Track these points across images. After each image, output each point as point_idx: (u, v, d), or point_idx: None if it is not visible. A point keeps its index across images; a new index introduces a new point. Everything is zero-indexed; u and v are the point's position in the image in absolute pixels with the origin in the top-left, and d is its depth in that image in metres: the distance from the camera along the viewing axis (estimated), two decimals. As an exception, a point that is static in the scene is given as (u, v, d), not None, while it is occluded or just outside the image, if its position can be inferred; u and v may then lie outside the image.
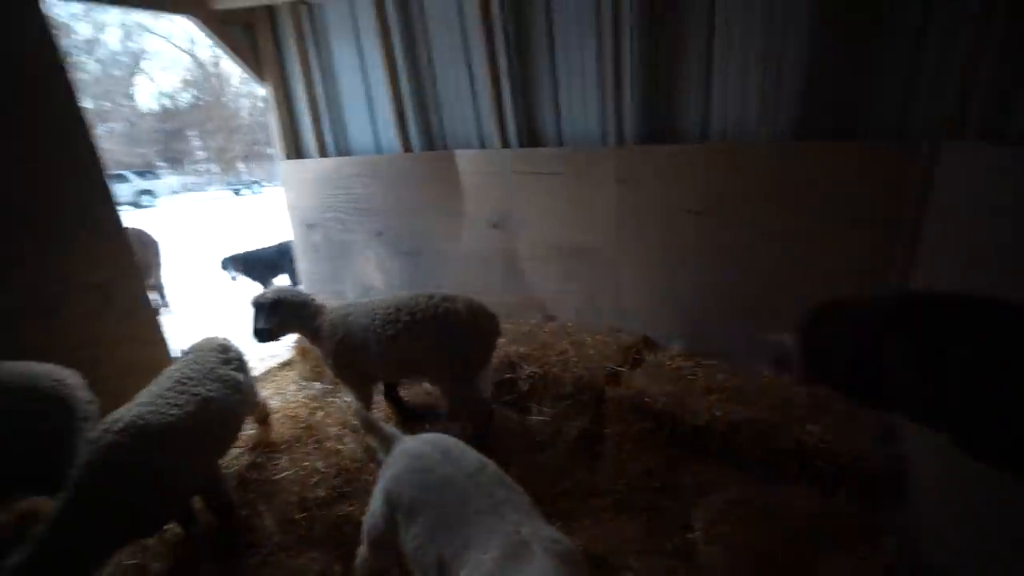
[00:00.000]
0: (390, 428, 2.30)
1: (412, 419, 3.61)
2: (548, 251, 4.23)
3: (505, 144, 4.22)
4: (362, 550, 2.21)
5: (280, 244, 7.35)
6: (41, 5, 3.23)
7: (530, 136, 4.21)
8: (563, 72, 3.90)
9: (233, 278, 7.32)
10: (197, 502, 2.67)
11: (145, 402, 2.34)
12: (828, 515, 2.35)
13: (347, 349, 3.16)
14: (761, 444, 2.81)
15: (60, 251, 3.34)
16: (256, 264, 7.24)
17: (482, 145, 4.40)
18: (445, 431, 2.28)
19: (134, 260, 3.84)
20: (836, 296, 1.45)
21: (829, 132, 3.13)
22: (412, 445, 2.06)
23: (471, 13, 3.95)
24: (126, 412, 2.25)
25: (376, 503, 2.04)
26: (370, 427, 2.29)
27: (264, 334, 3.22)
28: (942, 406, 1.05)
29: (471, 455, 1.97)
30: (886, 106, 2.96)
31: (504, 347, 3.75)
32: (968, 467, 1.72)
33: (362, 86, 4.74)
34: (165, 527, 2.60)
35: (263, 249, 7.50)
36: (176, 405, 2.36)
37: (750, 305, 3.48)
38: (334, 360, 3.24)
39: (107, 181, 3.62)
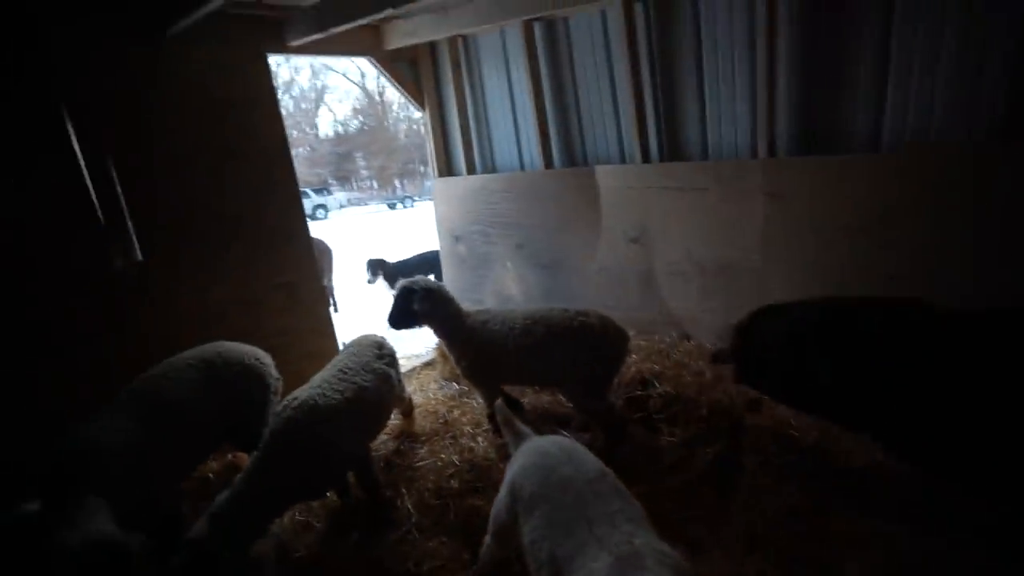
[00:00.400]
0: (525, 427, 2.43)
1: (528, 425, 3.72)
2: (688, 267, 4.10)
3: (646, 159, 4.19)
4: (488, 539, 2.36)
5: (421, 254, 7.77)
6: (267, 59, 4.04)
7: (672, 150, 4.14)
8: (710, 82, 3.79)
9: (370, 280, 7.77)
10: (351, 477, 3.05)
11: (316, 386, 2.76)
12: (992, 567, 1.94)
13: (484, 354, 3.37)
14: (932, 496, 2.41)
15: (264, 256, 4.08)
16: (397, 272, 7.78)
17: (623, 160, 4.42)
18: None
19: (316, 264, 4.53)
20: (770, 304, 1.37)
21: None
22: (540, 442, 2.17)
23: (615, 30, 4.03)
24: (301, 393, 2.69)
25: (502, 493, 2.17)
26: (508, 422, 2.45)
27: (402, 319, 3.50)
28: (864, 410, 1.05)
29: (593, 462, 2.01)
30: None
31: (637, 364, 3.71)
32: None
33: (509, 108, 5.06)
34: (327, 494, 3.02)
35: (406, 259, 8.03)
36: (338, 391, 2.75)
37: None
38: (469, 362, 3.46)
39: (299, 197, 4.35)
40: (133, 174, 3.43)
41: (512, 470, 2.16)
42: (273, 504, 2.47)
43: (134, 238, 3.49)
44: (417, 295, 3.46)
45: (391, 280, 7.74)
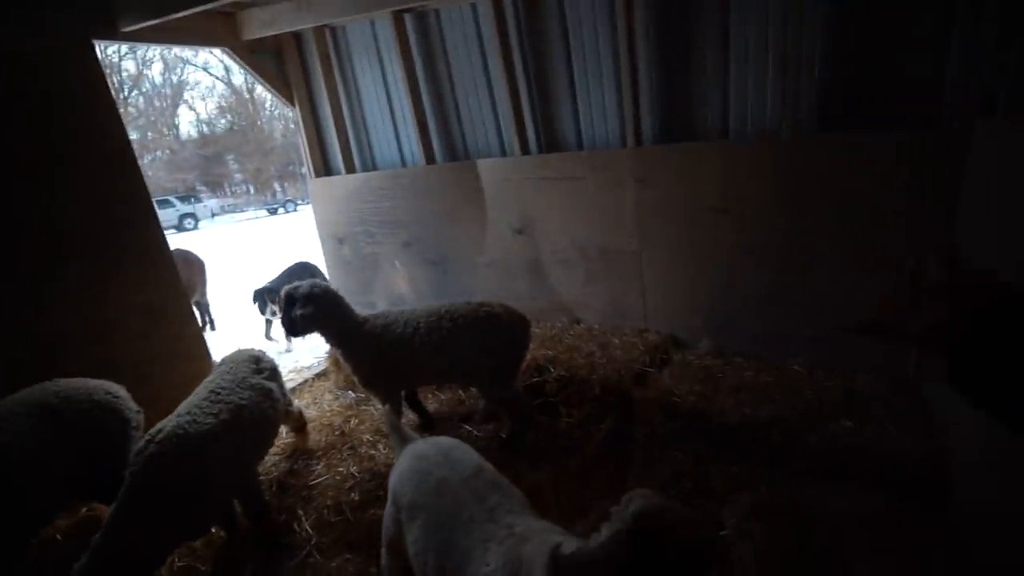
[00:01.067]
0: (410, 432, 2.36)
1: (434, 424, 3.67)
2: (572, 254, 4.26)
3: (525, 151, 4.29)
4: (383, 552, 2.28)
5: (288, 269, 6.30)
6: (95, 48, 3.51)
7: (550, 142, 4.27)
8: (580, 74, 3.96)
9: (270, 314, 6.13)
10: (239, 505, 2.80)
11: (183, 412, 2.48)
12: (863, 515, 2.28)
13: (387, 358, 3.22)
14: (792, 442, 2.76)
15: (115, 276, 3.57)
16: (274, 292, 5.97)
17: (503, 153, 4.48)
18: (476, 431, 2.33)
19: (180, 281, 4.06)
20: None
21: (849, 123, 3.08)
22: (418, 446, 2.09)
23: (488, 30, 4.06)
24: (167, 423, 2.40)
25: (388, 504, 2.11)
26: (394, 428, 2.36)
27: (296, 325, 3.21)
28: None
29: (469, 458, 1.96)
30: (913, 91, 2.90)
31: (532, 351, 3.78)
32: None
33: (386, 102, 4.90)
34: (208, 533, 2.74)
35: (275, 278, 6.30)
36: (211, 414, 2.49)
37: (777, 301, 3.42)
38: (371, 367, 3.28)
39: (154, 207, 3.86)
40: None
41: (392, 479, 2.09)
42: (144, 558, 2.18)
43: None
44: (298, 302, 3.18)
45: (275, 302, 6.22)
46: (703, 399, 3.10)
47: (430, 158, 4.76)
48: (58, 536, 2.86)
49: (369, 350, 3.25)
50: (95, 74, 3.53)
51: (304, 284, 3.28)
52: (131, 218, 3.70)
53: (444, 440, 2.13)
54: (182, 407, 2.56)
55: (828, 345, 3.26)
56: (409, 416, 3.71)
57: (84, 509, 3.03)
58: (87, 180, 3.46)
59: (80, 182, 3.43)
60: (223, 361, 3.05)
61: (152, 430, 2.40)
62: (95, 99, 3.53)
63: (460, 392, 3.95)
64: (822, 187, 3.10)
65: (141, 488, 2.19)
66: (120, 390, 2.79)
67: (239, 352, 3.12)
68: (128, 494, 2.17)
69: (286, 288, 3.28)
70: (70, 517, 3.00)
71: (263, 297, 5.96)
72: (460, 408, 3.81)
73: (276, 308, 5.18)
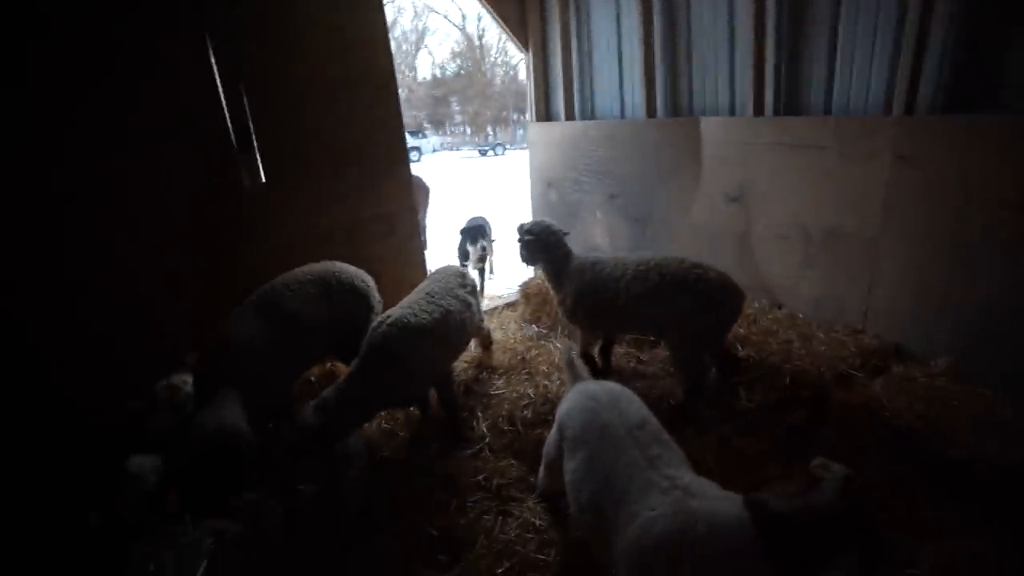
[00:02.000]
0: (585, 371, 2.50)
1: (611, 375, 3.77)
2: (791, 232, 3.86)
3: (759, 111, 3.91)
4: (541, 470, 2.51)
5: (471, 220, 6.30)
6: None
7: (790, 104, 3.82)
8: (847, 26, 3.40)
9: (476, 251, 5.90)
10: (433, 395, 3.32)
11: (407, 306, 2.99)
12: None
13: (591, 295, 3.35)
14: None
15: (369, 186, 4.35)
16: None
17: (732, 112, 4.15)
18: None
19: (413, 199, 4.75)
20: None
21: None
22: (590, 386, 2.21)
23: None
24: (394, 312, 2.94)
25: (552, 430, 2.28)
26: (570, 364, 2.53)
27: (520, 253, 3.62)
28: None
29: (637, 409, 2.03)
30: None
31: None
32: None
33: (616, 50, 4.87)
34: (410, 408, 3.32)
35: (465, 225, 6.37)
36: (427, 312, 2.97)
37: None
38: (574, 302, 3.43)
39: (404, 134, 4.54)
40: (260, 102, 3.75)
41: (560, 409, 2.26)
42: (367, 405, 2.77)
43: (260, 162, 3.85)
44: (522, 235, 3.56)
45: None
46: (925, 422, 2.64)
47: (651, 111, 4.64)
48: (312, 379, 3.77)
49: (574, 284, 3.41)
50: (379, 16, 4.18)
51: (531, 221, 3.63)
52: (387, 140, 4.40)
53: (615, 386, 2.23)
54: (404, 301, 3.09)
55: None
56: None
57: (328, 365, 3.91)
58: (362, 102, 4.20)
59: (357, 104, 4.18)
60: (436, 272, 3.54)
61: (383, 315, 2.97)
62: (374, 35, 4.19)
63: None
64: None
65: (373, 356, 2.75)
66: (371, 280, 3.49)
67: (448, 267, 3.60)
68: (364, 358, 2.76)
69: (522, 224, 3.67)
70: (320, 368, 3.91)
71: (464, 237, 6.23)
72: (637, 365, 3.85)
73: (475, 247, 5.73)
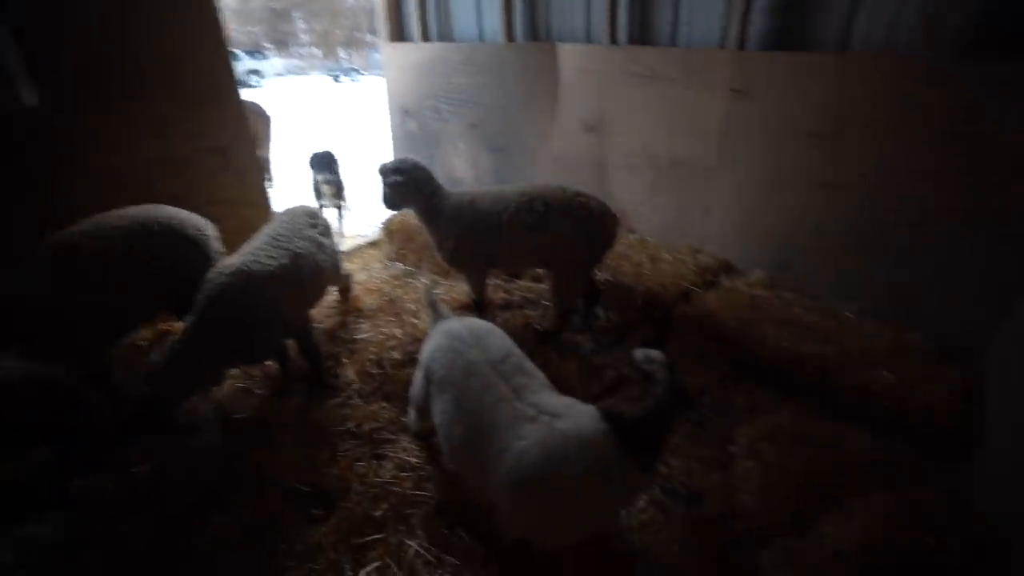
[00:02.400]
0: (446, 310, 2.47)
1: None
2: (641, 161, 4.08)
3: (614, 40, 3.96)
4: (410, 411, 2.51)
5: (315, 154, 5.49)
6: None
7: (642, 33, 3.91)
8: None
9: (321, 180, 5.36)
10: (292, 348, 3.09)
11: (248, 252, 2.66)
12: (878, 457, 2.31)
13: (475, 234, 3.20)
14: (825, 380, 2.74)
15: (191, 114, 3.68)
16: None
17: (588, 39, 4.16)
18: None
19: (248, 129, 4.15)
20: None
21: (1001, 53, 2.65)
22: (452, 325, 2.18)
23: None
24: (234, 260, 2.59)
25: (418, 372, 2.26)
26: (432, 304, 2.48)
27: (386, 197, 3.25)
28: None
29: (500, 343, 2.05)
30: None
31: (579, 253, 3.79)
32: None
33: (470, -36, 4.54)
34: (265, 361, 3.05)
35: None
36: (272, 257, 2.67)
37: (849, 243, 3.23)
38: (456, 244, 3.26)
39: (228, 53, 3.86)
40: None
41: (424, 351, 2.23)
42: (209, 366, 2.48)
43: (26, 77, 3.03)
44: (387, 176, 3.20)
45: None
46: (743, 325, 3.08)
47: (510, 35, 4.48)
48: (142, 342, 3.27)
49: (455, 225, 3.22)
50: None
51: (394, 159, 3.27)
52: (208, 57, 3.72)
53: (478, 323, 2.22)
54: (246, 247, 2.74)
55: (885, 297, 3.12)
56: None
57: (160, 325, 3.42)
58: (169, 11, 3.46)
59: (162, 13, 3.43)
60: (282, 212, 3.19)
61: (221, 263, 2.61)
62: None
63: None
64: (952, 123, 2.72)
65: (210, 311, 2.43)
66: (207, 225, 3.02)
67: (297, 207, 3.26)
68: (200, 314, 2.42)
69: (384, 164, 3.28)
70: (151, 329, 3.40)
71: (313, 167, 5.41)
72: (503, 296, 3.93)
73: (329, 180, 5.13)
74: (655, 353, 1.69)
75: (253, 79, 25.31)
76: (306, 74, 32.03)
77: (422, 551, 2.12)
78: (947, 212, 2.82)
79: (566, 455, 1.62)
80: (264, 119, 6.99)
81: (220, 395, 2.95)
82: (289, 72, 31.24)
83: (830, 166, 3.19)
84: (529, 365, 2.02)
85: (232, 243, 3.05)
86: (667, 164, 3.95)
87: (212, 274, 2.55)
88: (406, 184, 3.17)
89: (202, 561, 2.13)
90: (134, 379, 2.28)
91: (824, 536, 1.93)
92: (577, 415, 1.71)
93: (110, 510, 2.27)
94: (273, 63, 28.83)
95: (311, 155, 5.36)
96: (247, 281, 2.49)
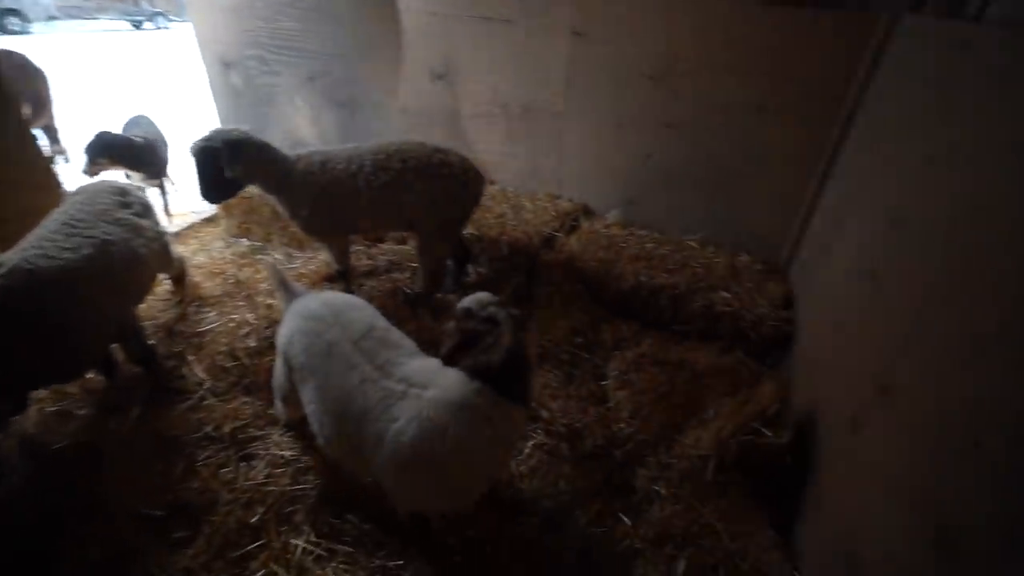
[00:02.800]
0: (297, 286, 2.26)
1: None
2: (494, 109, 3.99)
3: (452, -21, 3.72)
4: (277, 403, 2.30)
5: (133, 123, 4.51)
6: None
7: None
8: None
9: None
10: (120, 353, 2.62)
11: (31, 245, 2.14)
12: (723, 367, 2.64)
13: (331, 199, 2.89)
14: (676, 307, 3.04)
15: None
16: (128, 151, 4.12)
17: (425, -22, 3.86)
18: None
19: (11, 90, 3.26)
20: None
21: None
22: (308, 304, 1.99)
23: None
24: (10, 256, 2.06)
25: (277, 359, 2.07)
26: (280, 282, 2.24)
27: (224, 188, 2.79)
28: None
29: (361, 316, 1.90)
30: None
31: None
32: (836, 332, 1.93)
33: None
34: (83, 375, 2.56)
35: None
36: (67, 248, 2.17)
37: (689, 179, 3.52)
38: (311, 212, 2.93)
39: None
40: None
41: (280, 336, 2.03)
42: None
43: None
44: (223, 155, 2.68)
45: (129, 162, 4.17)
46: (604, 265, 3.26)
47: (339, -29, 3.99)
48: None
49: (308, 191, 2.88)
50: None
51: (218, 134, 2.72)
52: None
53: (336, 298, 2.04)
54: (27, 240, 2.20)
55: (720, 225, 3.49)
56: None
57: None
58: None
59: None
60: (77, 191, 2.61)
61: (-8, 262, 2.06)
62: None
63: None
64: (771, 61, 2.97)
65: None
66: None
67: (100, 183, 2.69)
68: None
69: (193, 145, 2.72)
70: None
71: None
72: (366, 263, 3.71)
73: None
74: (483, 296, 1.68)
75: (11, 23, 20.07)
76: (93, 18, 26.27)
77: (311, 547, 1.99)
78: (777, 145, 3.15)
79: (444, 424, 1.58)
80: (35, 74, 5.63)
81: (26, 426, 2.42)
82: (68, 15, 25.36)
83: (669, 106, 3.39)
84: (395, 335, 1.91)
85: (13, 234, 2.42)
86: (519, 111, 3.92)
87: None
88: (245, 170, 2.76)
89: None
90: None
91: (687, 446, 2.16)
92: (446, 379, 1.67)
93: None
94: (42, 2, 23.19)
95: (126, 121, 4.45)
96: (29, 280, 2.01)
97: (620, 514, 2.12)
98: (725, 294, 2.99)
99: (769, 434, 2.02)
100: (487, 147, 4.15)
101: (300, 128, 4.76)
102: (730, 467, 2.05)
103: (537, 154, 4.03)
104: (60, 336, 2.07)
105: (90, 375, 2.63)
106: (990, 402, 1.14)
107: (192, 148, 2.73)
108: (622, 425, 2.36)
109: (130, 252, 2.44)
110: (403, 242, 3.86)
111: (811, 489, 1.92)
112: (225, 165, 2.70)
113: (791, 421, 2.10)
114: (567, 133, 3.83)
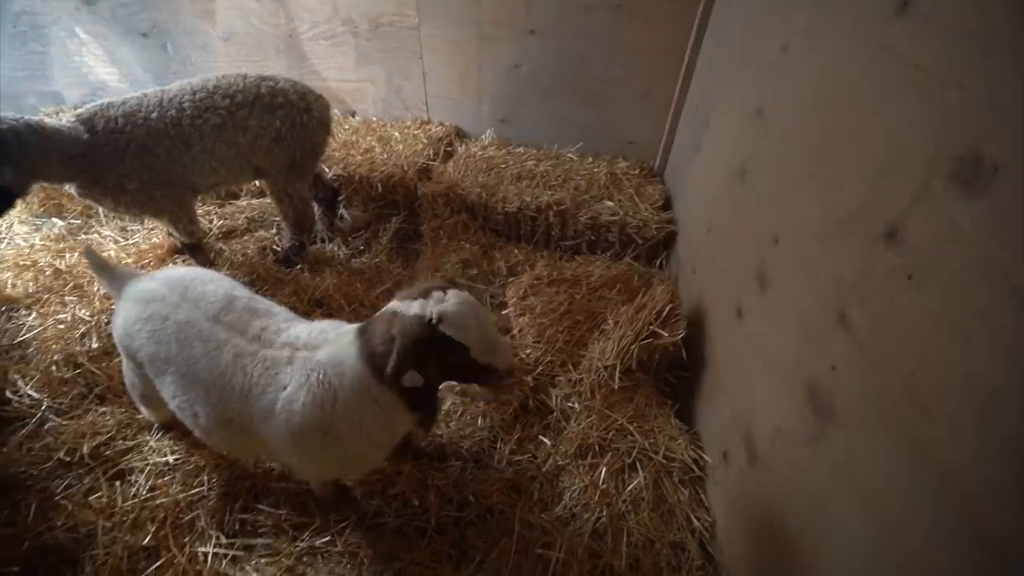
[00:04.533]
0: (123, 269, 1.93)
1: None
2: (338, 28, 3.49)
3: None
4: (139, 406, 2.01)
5: None
6: None
7: None
8: None
9: None
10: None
11: None
12: (616, 276, 2.72)
13: (155, 161, 2.39)
14: (563, 223, 3.03)
15: None
16: None
17: None
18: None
19: None
20: None
21: None
22: (143, 286, 1.69)
23: None
24: None
25: (122, 358, 1.79)
26: (99, 266, 1.87)
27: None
28: None
29: (214, 288, 1.66)
30: None
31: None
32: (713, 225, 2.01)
33: None
34: None
35: None
36: None
37: (557, 88, 3.39)
38: (140, 183, 2.40)
39: None
40: None
41: (116, 330, 1.72)
42: None
43: None
44: None
45: None
46: (486, 190, 3.12)
47: None
48: None
49: (124, 158, 2.33)
50: None
51: None
52: None
53: (176, 273, 1.75)
54: None
55: (596, 134, 3.45)
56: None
57: None
58: None
59: None
60: None
61: None
62: None
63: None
64: None
65: None
66: None
67: None
68: None
69: None
70: None
71: None
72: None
73: None
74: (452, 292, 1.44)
75: None
76: None
77: (223, 551, 1.82)
78: (641, 44, 3.08)
79: (335, 387, 1.44)
80: None
81: None
82: None
83: (533, 10, 3.16)
84: (263, 303, 1.68)
85: None
86: (368, 28, 3.45)
87: None
88: (22, 170, 2.11)
89: None
90: None
91: (593, 359, 2.23)
92: (336, 336, 1.52)
93: None
94: None
95: None
96: None
97: (540, 436, 2.17)
98: (608, 203, 3.02)
99: (665, 334, 2.12)
100: (338, 73, 3.67)
101: (97, 70, 3.86)
102: (634, 370, 2.16)
103: (397, 76, 3.64)
104: None
105: None
106: (852, 276, 1.24)
107: None
108: (528, 351, 2.36)
109: None
110: (261, 195, 3.40)
111: (706, 378, 2.09)
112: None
113: (682, 317, 2.22)
114: (426, 50, 3.47)
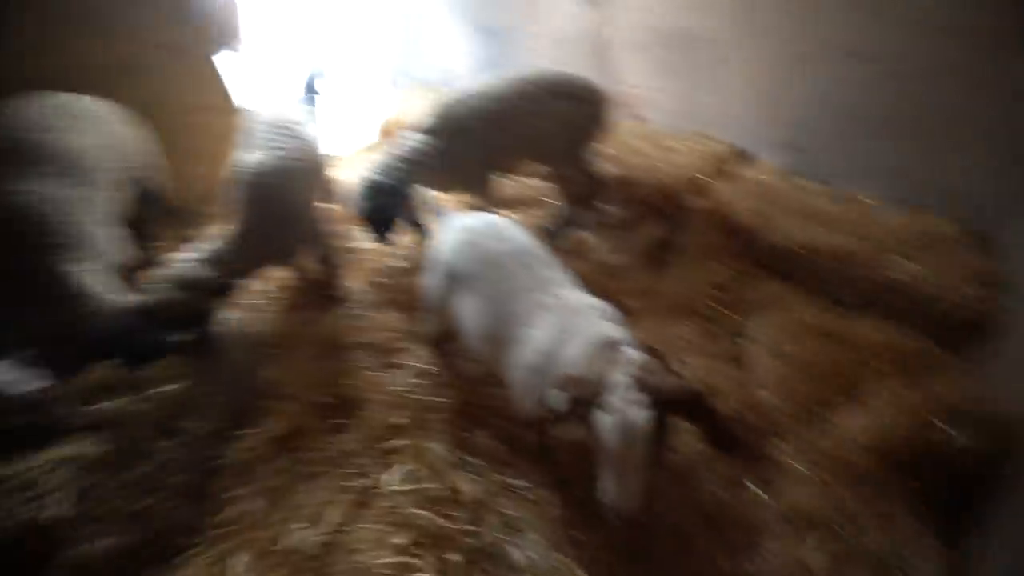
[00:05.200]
0: (447, 208, 2.50)
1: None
2: (646, 37, 3.66)
3: None
4: (425, 315, 2.49)
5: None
6: None
7: None
8: None
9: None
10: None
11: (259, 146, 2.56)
12: (896, 348, 2.30)
13: (488, 145, 2.95)
14: (841, 272, 2.66)
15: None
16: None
17: None
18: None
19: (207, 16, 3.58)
20: None
21: None
22: (464, 220, 2.19)
23: None
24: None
25: (432, 272, 2.23)
26: (427, 203, 2.55)
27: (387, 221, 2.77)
28: None
29: (520, 236, 2.06)
30: None
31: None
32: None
33: None
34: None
35: None
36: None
37: (877, 122, 2.95)
38: (466, 165, 2.96)
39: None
40: None
41: (439, 248, 2.20)
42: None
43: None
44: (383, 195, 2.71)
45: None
46: (759, 217, 2.94)
47: None
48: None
49: (457, 155, 2.89)
50: None
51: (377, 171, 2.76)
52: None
53: (491, 216, 2.22)
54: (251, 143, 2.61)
55: (911, 180, 2.91)
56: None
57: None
58: None
59: None
60: (260, 112, 2.87)
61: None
62: None
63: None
64: None
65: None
66: None
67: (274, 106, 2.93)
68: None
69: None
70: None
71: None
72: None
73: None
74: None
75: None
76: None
77: (445, 452, 2.18)
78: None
79: (565, 350, 1.66)
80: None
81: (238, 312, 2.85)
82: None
83: (864, 30, 2.83)
84: (550, 259, 2.02)
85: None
86: (673, 40, 3.54)
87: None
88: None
89: (236, 472, 2.18)
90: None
91: (839, 426, 1.96)
92: (598, 315, 1.75)
93: (139, 430, 2.29)
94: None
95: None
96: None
97: (748, 482, 2.02)
98: (906, 263, 2.55)
99: (950, 431, 1.75)
100: (636, 80, 3.85)
101: (447, 57, 4.79)
102: (892, 460, 1.83)
103: (691, 89, 3.66)
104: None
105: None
106: None
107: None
108: (765, 392, 2.19)
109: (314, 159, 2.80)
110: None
111: (1004, 508, 1.64)
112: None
113: (982, 423, 1.78)
114: (728, 65, 3.39)
